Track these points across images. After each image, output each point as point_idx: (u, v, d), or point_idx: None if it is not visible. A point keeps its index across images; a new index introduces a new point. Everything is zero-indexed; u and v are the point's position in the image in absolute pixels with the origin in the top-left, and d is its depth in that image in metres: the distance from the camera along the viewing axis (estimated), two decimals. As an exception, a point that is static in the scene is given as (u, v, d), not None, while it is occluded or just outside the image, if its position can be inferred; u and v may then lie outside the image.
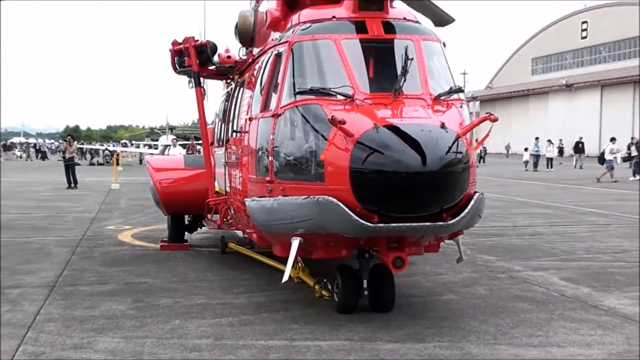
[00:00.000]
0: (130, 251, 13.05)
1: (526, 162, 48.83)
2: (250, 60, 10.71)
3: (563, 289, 9.65)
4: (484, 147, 55.77)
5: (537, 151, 48.68)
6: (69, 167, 30.44)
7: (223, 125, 12.03)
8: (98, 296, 9.12)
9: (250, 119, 8.96)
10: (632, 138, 39.43)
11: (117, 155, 46.27)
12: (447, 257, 11.43)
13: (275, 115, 8.00)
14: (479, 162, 52.04)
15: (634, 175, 37.32)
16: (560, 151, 61.05)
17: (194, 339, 7.20)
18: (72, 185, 29.73)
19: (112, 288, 9.65)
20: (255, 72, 9.60)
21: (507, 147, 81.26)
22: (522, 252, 12.87)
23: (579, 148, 52.75)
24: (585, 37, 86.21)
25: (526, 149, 49.83)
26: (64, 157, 32.32)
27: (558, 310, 8.44)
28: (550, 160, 49.27)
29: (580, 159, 51.60)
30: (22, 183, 33.74)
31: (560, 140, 63.06)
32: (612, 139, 38.27)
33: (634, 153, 38.89)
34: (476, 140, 8.42)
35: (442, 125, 7.15)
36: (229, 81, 13.04)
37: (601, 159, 37.33)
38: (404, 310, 8.34)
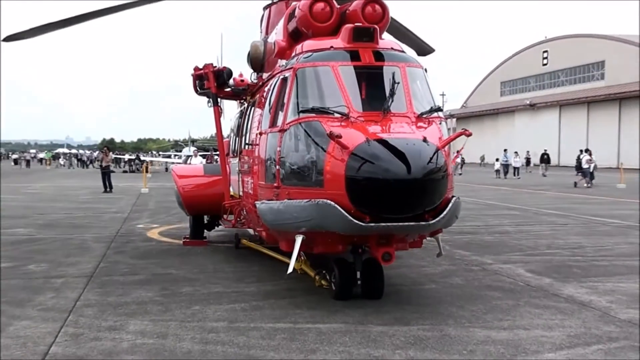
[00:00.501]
0: (157, 246, 13.00)
1: (497, 171, 48.71)
2: (260, 83, 10.70)
3: (528, 280, 9.60)
4: (462, 158, 55.50)
5: (506, 161, 48.55)
6: (105, 174, 30.39)
7: (237, 138, 12.01)
8: (129, 285, 9.07)
9: (260, 134, 8.95)
10: (587, 150, 39.28)
11: (147, 164, 46.19)
12: (428, 252, 11.38)
13: (282, 130, 7.99)
14: (458, 171, 51.86)
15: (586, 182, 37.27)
16: (528, 161, 60.91)
17: (211, 322, 7.16)
18: (108, 189, 29.66)
19: (142, 278, 9.61)
20: (264, 94, 9.59)
21: (482, 158, 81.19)
22: (493, 247, 12.81)
23: (544, 159, 52.48)
24: (546, 64, 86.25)
25: (497, 160, 49.73)
26: (101, 166, 32.27)
27: (524, 298, 8.39)
28: (517, 169, 49.15)
29: (545, 168, 51.38)
30: (65, 188, 33.69)
31: (528, 151, 62.95)
32: (587, 150, 38.20)
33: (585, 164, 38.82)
34: (456, 152, 8.40)
35: (424, 139, 7.16)
36: (242, 101, 13.03)
37: (578, 167, 37.07)
38: (392, 297, 8.29)
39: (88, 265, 10.57)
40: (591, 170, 35.91)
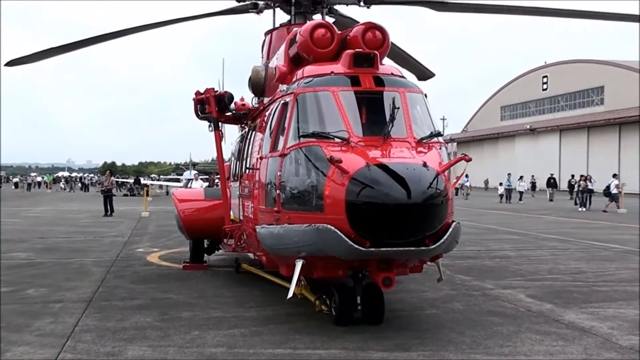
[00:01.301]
0: (157, 271, 12.95)
1: (501, 195, 48.67)
2: (261, 108, 10.74)
3: (529, 305, 9.54)
4: (470, 184, 55.26)
5: (509, 185, 48.48)
6: (107, 197, 30.37)
7: (238, 162, 12.03)
8: (128, 310, 9.03)
9: (261, 158, 8.96)
10: (614, 175, 39.41)
11: (147, 187, 46.19)
12: (429, 277, 11.33)
13: (283, 155, 8.01)
14: (465, 197, 51.83)
15: (580, 206, 37.19)
16: (533, 185, 60.66)
17: (210, 347, 7.11)
18: (109, 213, 29.62)
19: (141, 303, 9.56)
20: (265, 118, 9.63)
21: (486, 182, 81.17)
22: (494, 272, 12.76)
23: (551, 183, 52.02)
24: (546, 89, 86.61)
25: (501, 184, 49.68)
26: (102, 190, 32.26)
27: (525, 324, 8.33)
28: (521, 193, 49.04)
29: (552, 192, 51.01)
30: (65, 211, 33.67)
31: (533, 176, 62.91)
32: (615, 175, 38.31)
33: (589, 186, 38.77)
34: (456, 177, 8.41)
35: (424, 164, 7.17)
36: (243, 125, 13.07)
37: (606, 192, 37.12)
38: (393, 323, 8.25)
39: (87, 290, 10.53)
40: (614, 193, 36.01)
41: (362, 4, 12.49)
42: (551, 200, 48.98)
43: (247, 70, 10.77)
